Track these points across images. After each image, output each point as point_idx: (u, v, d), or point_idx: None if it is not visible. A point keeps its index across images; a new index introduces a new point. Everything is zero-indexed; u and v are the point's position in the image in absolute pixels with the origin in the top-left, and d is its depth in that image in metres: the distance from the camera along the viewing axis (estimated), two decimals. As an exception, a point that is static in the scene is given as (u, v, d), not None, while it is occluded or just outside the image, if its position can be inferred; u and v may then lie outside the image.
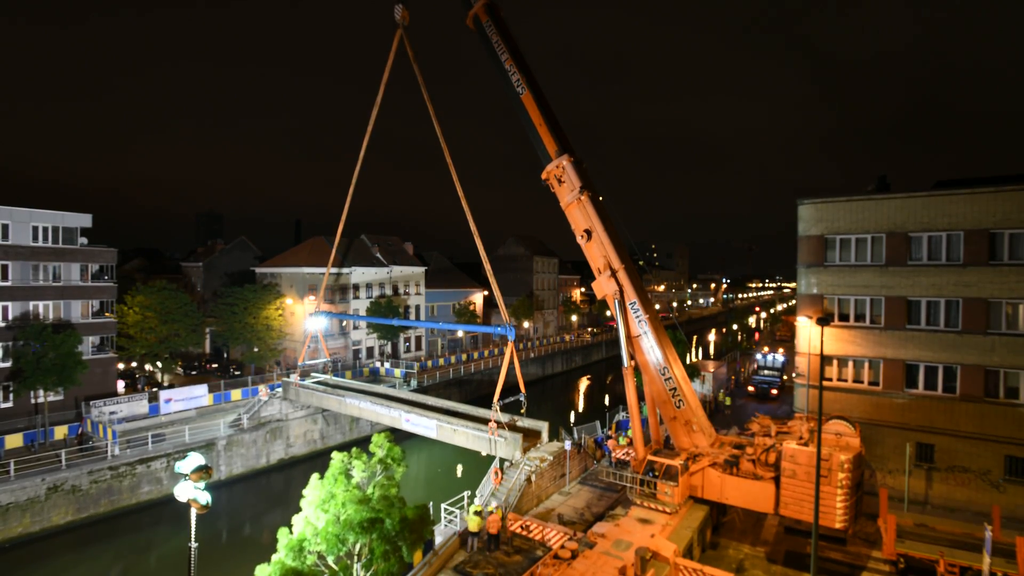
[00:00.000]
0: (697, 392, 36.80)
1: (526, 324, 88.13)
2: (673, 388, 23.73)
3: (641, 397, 25.75)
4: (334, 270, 62.96)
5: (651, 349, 24.01)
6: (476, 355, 71.61)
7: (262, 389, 43.48)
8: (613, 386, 75.35)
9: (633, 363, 24.68)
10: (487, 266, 35.42)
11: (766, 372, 50.88)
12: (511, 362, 31.14)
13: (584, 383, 78.45)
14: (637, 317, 24.35)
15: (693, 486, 23.27)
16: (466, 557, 21.17)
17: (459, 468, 44.07)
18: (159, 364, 49.41)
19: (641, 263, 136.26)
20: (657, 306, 28.97)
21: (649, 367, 24.20)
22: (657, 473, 23.07)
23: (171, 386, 47.85)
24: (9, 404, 38.19)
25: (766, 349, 57.72)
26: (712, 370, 47.36)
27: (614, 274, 24.84)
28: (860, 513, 22.41)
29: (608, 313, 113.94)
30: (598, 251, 25.38)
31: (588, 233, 25.42)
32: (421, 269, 73.67)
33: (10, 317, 38.70)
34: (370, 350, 65.82)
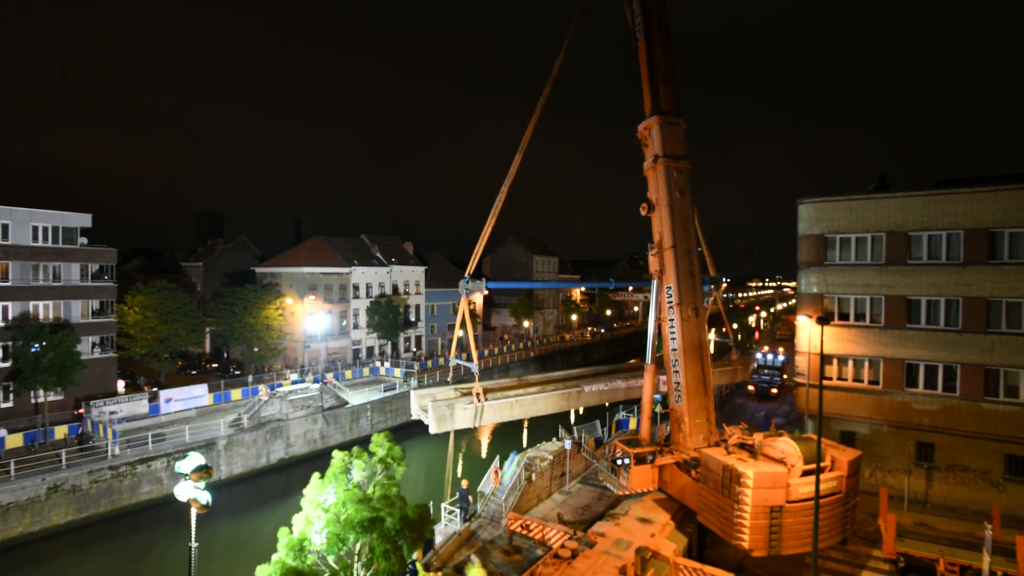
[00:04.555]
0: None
1: (526, 323, 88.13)
2: (677, 383, 23.61)
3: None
4: (334, 270, 63.02)
5: (671, 338, 23.62)
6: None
7: (262, 389, 43.50)
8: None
9: (658, 357, 24.56)
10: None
11: (766, 371, 50.86)
12: None
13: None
14: (669, 302, 23.67)
15: (665, 481, 23.72)
16: (465, 558, 21.17)
17: (460, 468, 44.09)
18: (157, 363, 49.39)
19: (641, 263, 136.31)
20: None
21: (666, 355, 24.11)
22: (620, 460, 23.62)
23: (179, 380, 47.83)
24: (9, 404, 38.19)
25: (766, 348, 57.69)
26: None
27: (662, 252, 23.94)
28: (783, 544, 19.09)
29: (608, 313, 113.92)
30: (656, 225, 24.27)
31: (650, 204, 24.31)
32: (421, 268, 73.70)
33: (10, 317, 38.70)
34: (370, 350, 65.83)
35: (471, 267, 26.30)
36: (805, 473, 19.14)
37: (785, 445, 19.90)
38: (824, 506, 18.66)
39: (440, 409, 23.40)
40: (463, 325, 25.97)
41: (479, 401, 24.25)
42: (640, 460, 23.56)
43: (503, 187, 26.24)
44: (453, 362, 27.83)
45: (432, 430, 23.63)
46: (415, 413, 25.46)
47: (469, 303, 25.85)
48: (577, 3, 25.93)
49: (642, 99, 24.58)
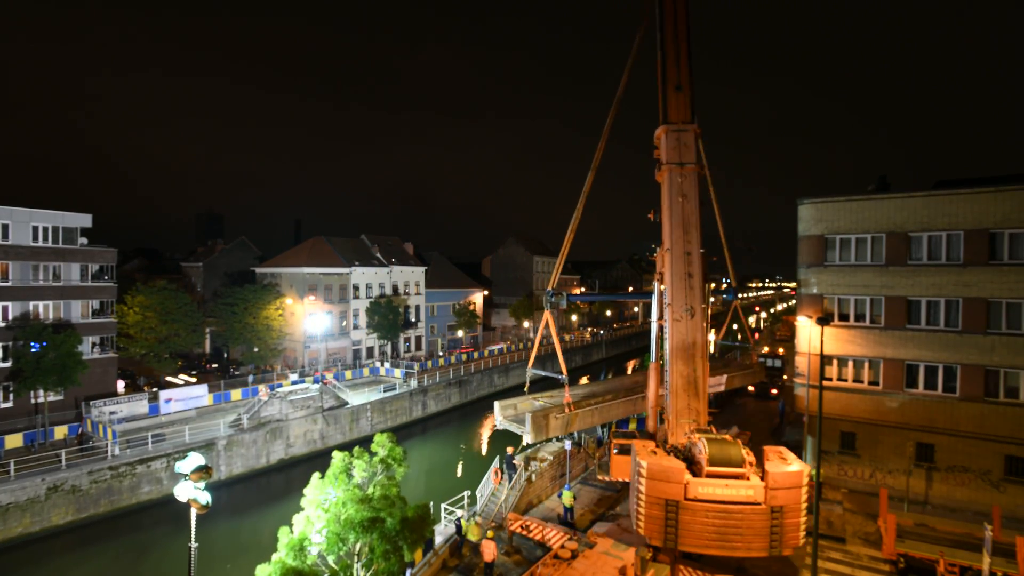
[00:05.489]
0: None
1: (526, 324, 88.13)
2: (667, 382, 23.65)
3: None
4: (334, 270, 63.05)
5: (667, 337, 23.69)
6: (476, 355, 71.61)
7: (262, 389, 43.51)
8: (613, 386, 75.28)
9: (662, 356, 24.80)
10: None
11: (766, 372, 50.85)
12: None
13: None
14: (665, 303, 23.85)
15: None
16: (462, 561, 21.19)
17: (459, 468, 44.12)
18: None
19: (642, 264, 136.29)
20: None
21: (663, 353, 24.26)
22: (614, 450, 24.66)
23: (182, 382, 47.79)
24: (9, 404, 38.18)
25: (766, 349, 57.71)
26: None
27: (662, 254, 24.22)
28: (680, 540, 18.76)
29: (608, 313, 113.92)
30: (663, 228, 24.54)
31: (656, 210, 24.73)
32: (421, 269, 73.70)
33: (10, 317, 38.69)
34: (370, 350, 65.83)
35: (552, 283, 29.50)
36: (713, 475, 18.79)
37: (702, 445, 19.75)
38: (734, 513, 18.38)
39: (538, 420, 25.87)
40: (547, 335, 29.03)
41: (570, 411, 26.91)
42: (624, 450, 24.35)
43: (578, 206, 28.53)
44: (530, 374, 31.28)
45: (528, 440, 26.07)
46: (499, 423, 27.82)
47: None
48: (640, 20, 27.06)
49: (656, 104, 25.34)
